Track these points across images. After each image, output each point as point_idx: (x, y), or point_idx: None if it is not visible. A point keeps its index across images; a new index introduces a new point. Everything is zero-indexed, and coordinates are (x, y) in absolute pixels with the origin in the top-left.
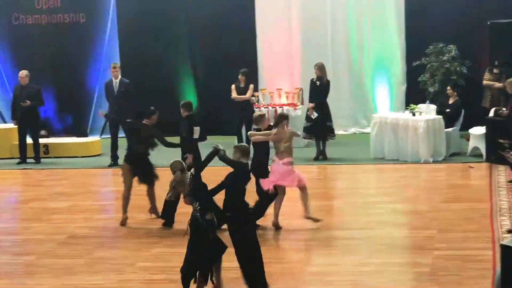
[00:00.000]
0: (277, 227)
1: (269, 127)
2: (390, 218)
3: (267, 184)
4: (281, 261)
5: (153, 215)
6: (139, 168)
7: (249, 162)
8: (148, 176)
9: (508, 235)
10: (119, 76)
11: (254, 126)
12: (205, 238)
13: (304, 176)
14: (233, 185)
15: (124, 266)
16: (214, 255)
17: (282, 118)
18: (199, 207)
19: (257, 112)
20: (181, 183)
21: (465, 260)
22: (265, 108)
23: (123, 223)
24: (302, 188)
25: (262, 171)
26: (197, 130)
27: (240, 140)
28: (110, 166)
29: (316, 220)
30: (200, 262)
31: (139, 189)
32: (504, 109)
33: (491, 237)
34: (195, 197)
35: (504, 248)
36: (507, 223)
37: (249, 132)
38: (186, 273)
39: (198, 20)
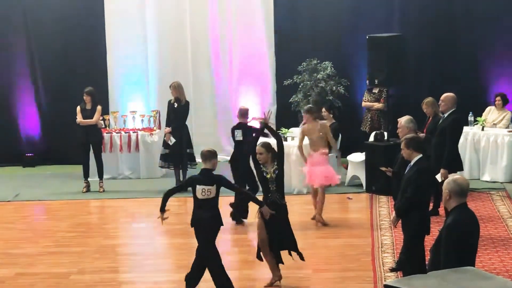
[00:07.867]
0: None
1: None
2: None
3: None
4: None
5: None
6: None
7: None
8: None
9: (391, 274)
10: None
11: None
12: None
13: (337, 176)
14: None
15: None
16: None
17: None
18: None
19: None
20: None
21: None
22: (117, 133)
23: None
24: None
25: None
26: None
27: (86, 169)
28: None
29: (324, 224)
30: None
31: None
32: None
33: (373, 277)
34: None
35: None
36: (389, 261)
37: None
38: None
39: (39, 33)
